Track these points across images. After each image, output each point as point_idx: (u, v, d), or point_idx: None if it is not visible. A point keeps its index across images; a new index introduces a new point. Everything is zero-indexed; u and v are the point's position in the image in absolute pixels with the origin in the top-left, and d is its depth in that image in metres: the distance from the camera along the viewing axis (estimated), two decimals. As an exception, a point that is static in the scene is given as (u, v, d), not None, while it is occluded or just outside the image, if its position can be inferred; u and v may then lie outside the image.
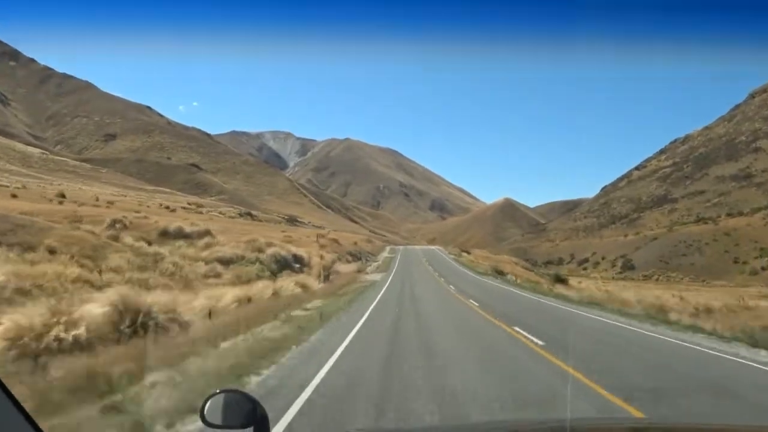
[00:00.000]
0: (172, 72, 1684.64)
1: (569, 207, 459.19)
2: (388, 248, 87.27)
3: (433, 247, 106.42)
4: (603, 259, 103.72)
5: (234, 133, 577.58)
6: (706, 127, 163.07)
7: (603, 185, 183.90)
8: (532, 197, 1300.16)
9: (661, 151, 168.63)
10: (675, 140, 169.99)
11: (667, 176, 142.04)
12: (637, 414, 6.16)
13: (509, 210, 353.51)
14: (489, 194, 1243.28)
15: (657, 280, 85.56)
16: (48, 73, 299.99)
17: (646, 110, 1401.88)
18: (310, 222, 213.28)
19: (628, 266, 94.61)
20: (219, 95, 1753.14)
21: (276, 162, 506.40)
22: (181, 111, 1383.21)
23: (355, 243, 69.48)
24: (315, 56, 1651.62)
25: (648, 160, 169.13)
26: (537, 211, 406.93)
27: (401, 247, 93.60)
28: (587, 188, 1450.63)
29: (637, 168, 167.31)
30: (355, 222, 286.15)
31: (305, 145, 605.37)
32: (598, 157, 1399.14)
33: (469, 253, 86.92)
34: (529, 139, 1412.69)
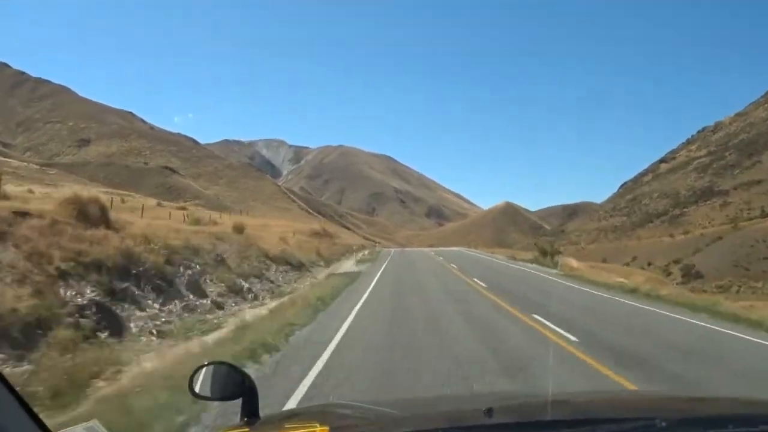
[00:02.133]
0: (166, 83, 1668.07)
1: (570, 211, 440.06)
2: (357, 256, 46.22)
3: (452, 249, 69.46)
4: (649, 264, 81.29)
5: (226, 142, 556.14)
6: (740, 114, 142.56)
7: (621, 182, 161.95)
8: (530, 202, 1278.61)
9: (689, 142, 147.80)
10: (704, 129, 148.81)
11: (707, 167, 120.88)
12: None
13: (510, 214, 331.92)
14: (485, 199, 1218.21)
15: (738, 291, 63.65)
16: (21, 78, 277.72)
17: (644, 113, 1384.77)
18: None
19: (693, 274, 72.53)
20: (211, 105, 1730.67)
21: (269, 170, 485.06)
22: (177, 122, 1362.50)
23: (283, 239, 33.42)
24: (308, 64, 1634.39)
25: (674, 151, 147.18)
26: (537, 215, 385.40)
27: (392, 252, 56.59)
28: (587, 192, 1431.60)
29: (663, 161, 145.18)
30: (348, 229, 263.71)
31: (298, 153, 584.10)
32: (597, 160, 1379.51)
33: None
34: (526, 143, 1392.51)
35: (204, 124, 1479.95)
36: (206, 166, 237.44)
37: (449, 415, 2.12)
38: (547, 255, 45.99)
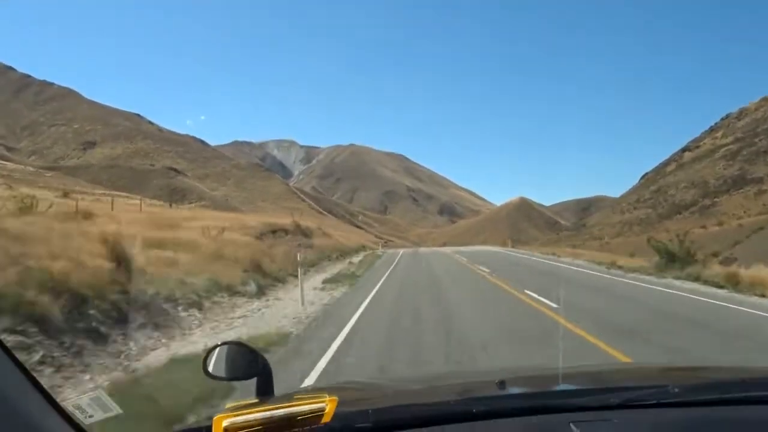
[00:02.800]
0: (177, 86, 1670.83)
1: (584, 205, 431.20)
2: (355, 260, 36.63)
3: (480, 249, 57.40)
4: (683, 259, 73.99)
5: (236, 143, 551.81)
6: (766, 98, 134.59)
7: (641, 174, 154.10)
8: (543, 197, 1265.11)
9: (713, 129, 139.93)
10: (727, 116, 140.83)
11: (735, 154, 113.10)
12: None
13: (525, 209, 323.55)
14: (498, 196, 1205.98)
15: (788, 287, 57.00)
16: (26, 82, 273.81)
17: (658, 105, 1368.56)
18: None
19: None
20: (222, 106, 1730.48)
21: (280, 171, 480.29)
22: (189, 125, 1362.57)
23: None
24: (318, 63, 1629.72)
25: (697, 140, 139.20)
26: (552, 210, 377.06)
27: (400, 255, 44.40)
28: (601, 185, 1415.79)
29: (685, 150, 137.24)
30: (360, 228, 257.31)
31: (309, 153, 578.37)
32: (610, 153, 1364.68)
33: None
34: (537, 138, 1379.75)
35: (215, 126, 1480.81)
36: (214, 167, 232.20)
37: (462, 387, 2.12)
38: (678, 260, 23.57)
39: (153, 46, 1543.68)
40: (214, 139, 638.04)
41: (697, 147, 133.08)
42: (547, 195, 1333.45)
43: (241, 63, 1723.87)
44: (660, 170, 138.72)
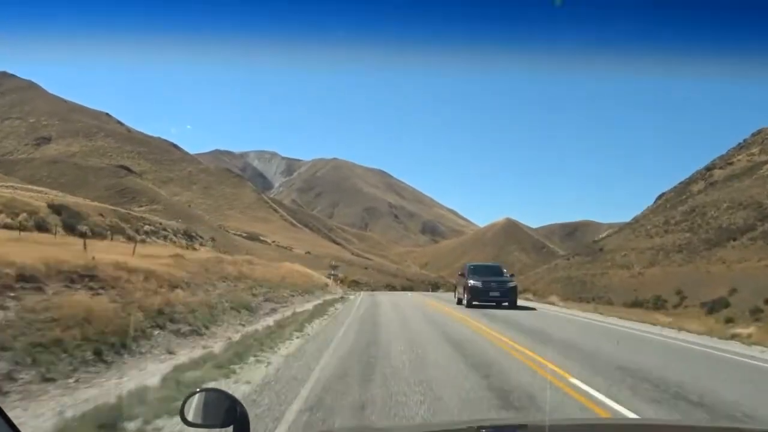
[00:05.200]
0: (158, 93, 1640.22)
1: (569, 229, 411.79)
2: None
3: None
4: (768, 303, 51.85)
5: (217, 152, 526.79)
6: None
7: (658, 193, 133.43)
8: (527, 220, 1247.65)
9: (741, 146, 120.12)
10: (759, 131, 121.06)
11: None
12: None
13: (512, 231, 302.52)
14: (481, 217, 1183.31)
15: None
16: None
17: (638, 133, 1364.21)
18: (275, 241, 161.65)
19: None
20: (205, 115, 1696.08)
21: (260, 182, 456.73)
22: (173, 134, 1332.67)
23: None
24: (301, 75, 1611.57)
25: (726, 157, 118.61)
26: (538, 233, 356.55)
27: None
28: (586, 211, 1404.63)
29: (710, 168, 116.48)
30: (338, 244, 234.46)
31: (291, 165, 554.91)
32: (591, 179, 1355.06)
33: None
34: (521, 161, 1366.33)
35: (197, 136, 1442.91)
36: (180, 171, 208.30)
37: None
38: None
39: (137, 52, 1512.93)
40: (196, 147, 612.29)
41: (729, 164, 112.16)
42: (532, 218, 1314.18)
43: (223, 73, 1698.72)
44: (681, 190, 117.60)
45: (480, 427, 1.65)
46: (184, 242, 77.50)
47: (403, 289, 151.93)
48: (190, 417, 2.14)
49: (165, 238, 74.79)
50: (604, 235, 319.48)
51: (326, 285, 34.93)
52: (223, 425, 2.09)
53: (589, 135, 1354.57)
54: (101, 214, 67.09)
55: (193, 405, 2.14)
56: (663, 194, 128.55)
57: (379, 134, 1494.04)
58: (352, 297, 34.64)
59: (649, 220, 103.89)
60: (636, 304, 69.17)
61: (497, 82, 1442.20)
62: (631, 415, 6.31)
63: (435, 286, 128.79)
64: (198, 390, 2.20)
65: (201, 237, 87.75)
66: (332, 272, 39.49)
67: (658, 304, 61.77)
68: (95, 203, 75.61)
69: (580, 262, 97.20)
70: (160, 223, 78.30)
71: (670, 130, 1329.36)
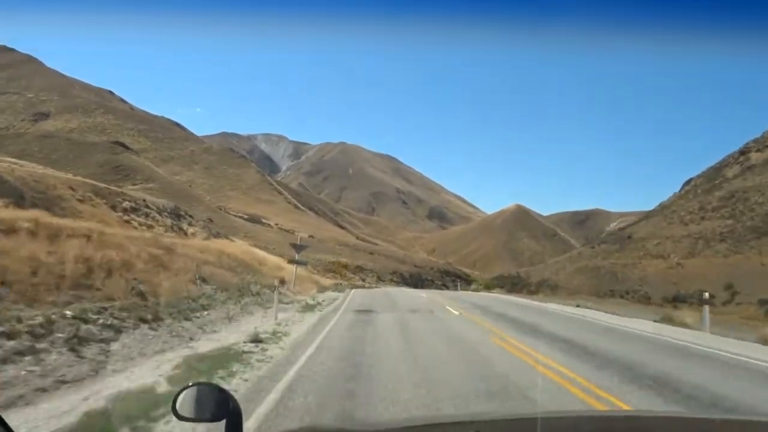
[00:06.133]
0: (169, 75, 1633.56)
1: (581, 218, 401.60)
2: None
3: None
4: None
5: (225, 135, 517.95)
6: None
7: (685, 179, 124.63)
8: (536, 207, 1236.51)
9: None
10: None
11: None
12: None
13: (522, 218, 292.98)
14: (489, 204, 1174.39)
15: None
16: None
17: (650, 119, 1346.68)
18: (277, 224, 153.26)
19: None
20: (213, 98, 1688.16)
21: (268, 165, 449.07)
22: (181, 114, 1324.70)
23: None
24: (311, 58, 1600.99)
25: (761, 140, 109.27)
26: (549, 221, 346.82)
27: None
28: (597, 199, 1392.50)
29: (744, 151, 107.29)
30: (343, 228, 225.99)
31: (299, 149, 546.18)
32: (602, 167, 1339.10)
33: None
34: (530, 148, 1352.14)
35: (206, 118, 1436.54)
36: (181, 150, 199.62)
37: None
38: None
39: (148, 36, 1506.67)
40: (204, 129, 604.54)
41: (767, 147, 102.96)
42: (541, 206, 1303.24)
43: (232, 55, 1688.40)
44: (712, 175, 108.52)
45: (473, 422, 1.63)
46: (169, 222, 69.40)
47: (411, 280, 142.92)
48: (181, 410, 2.10)
49: (147, 216, 66.67)
50: (615, 224, 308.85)
51: (280, 282, 21.01)
52: (216, 419, 2.06)
53: (600, 122, 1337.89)
54: (71, 188, 59.03)
55: (185, 398, 2.11)
56: (691, 180, 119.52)
57: (387, 119, 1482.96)
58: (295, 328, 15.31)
59: (680, 206, 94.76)
60: (677, 299, 60.51)
61: (506, 66, 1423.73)
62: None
63: (454, 277, 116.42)
64: (190, 384, 2.16)
65: (190, 216, 79.07)
66: (297, 259, 26.24)
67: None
68: (68, 176, 66.92)
69: (606, 250, 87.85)
70: (144, 200, 70.06)
71: (686, 116, 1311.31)
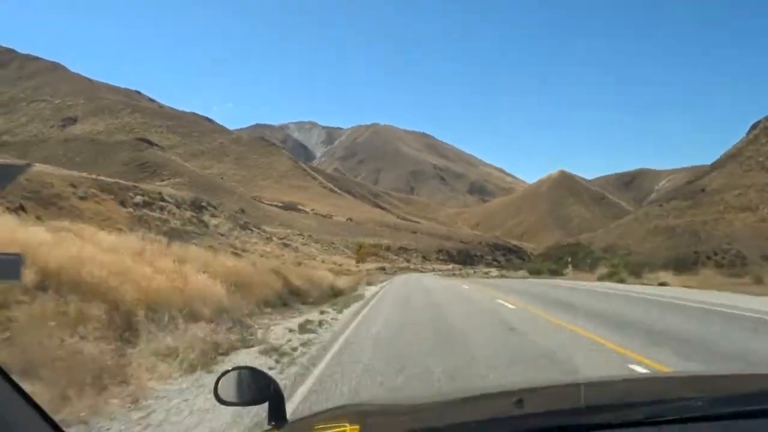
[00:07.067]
0: (203, 74, 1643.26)
1: (627, 179, 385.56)
2: None
3: None
4: None
5: (257, 126, 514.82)
6: None
7: (752, 122, 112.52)
8: (579, 172, 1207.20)
9: None
10: None
11: None
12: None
13: (567, 184, 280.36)
14: (529, 173, 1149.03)
15: None
16: (8, 57, 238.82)
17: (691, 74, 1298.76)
18: (313, 210, 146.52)
19: None
20: (244, 91, 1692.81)
21: (302, 153, 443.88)
22: (215, 112, 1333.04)
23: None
24: (336, 40, 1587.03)
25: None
26: (594, 184, 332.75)
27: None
28: (641, 158, 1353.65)
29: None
30: (382, 208, 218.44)
31: (331, 134, 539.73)
32: (648, 125, 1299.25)
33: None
34: (566, 109, 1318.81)
35: (238, 112, 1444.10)
36: (210, 143, 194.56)
37: (481, 408, 1.96)
38: None
39: (175, 33, 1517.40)
40: (236, 123, 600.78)
41: None
42: (584, 170, 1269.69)
43: (259, 44, 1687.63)
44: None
45: (520, 390, 1.68)
46: (188, 214, 62.75)
47: (459, 257, 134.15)
48: (222, 395, 2.11)
49: (162, 209, 60.12)
50: (664, 182, 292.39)
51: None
52: (257, 402, 2.09)
53: (636, 78, 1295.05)
54: (72, 184, 52.68)
55: (226, 383, 2.11)
56: (758, 122, 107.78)
57: (417, 95, 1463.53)
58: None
59: (755, 151, 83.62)
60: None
61: (535, 28, 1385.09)
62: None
63: (504, 251, 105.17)
64: (231, 369, 2.16)
65: (213, 207, 72.34)
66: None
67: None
68: (69, 172, 60.57)
69: (677, 207, 77.67)
70: (159, 193, 63.54)
71: (732, 67, 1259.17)
